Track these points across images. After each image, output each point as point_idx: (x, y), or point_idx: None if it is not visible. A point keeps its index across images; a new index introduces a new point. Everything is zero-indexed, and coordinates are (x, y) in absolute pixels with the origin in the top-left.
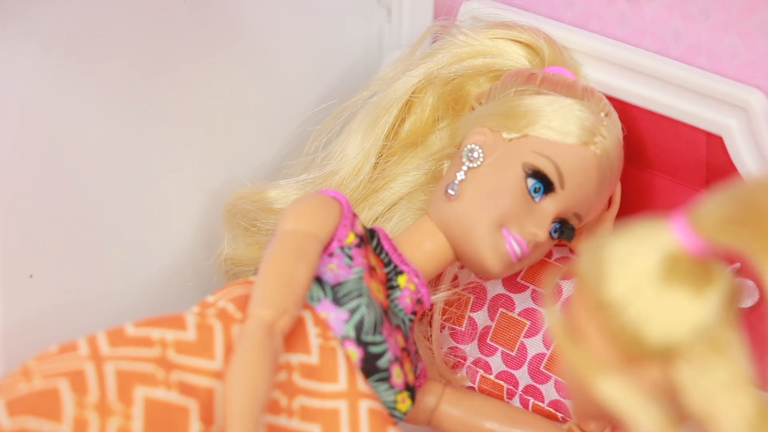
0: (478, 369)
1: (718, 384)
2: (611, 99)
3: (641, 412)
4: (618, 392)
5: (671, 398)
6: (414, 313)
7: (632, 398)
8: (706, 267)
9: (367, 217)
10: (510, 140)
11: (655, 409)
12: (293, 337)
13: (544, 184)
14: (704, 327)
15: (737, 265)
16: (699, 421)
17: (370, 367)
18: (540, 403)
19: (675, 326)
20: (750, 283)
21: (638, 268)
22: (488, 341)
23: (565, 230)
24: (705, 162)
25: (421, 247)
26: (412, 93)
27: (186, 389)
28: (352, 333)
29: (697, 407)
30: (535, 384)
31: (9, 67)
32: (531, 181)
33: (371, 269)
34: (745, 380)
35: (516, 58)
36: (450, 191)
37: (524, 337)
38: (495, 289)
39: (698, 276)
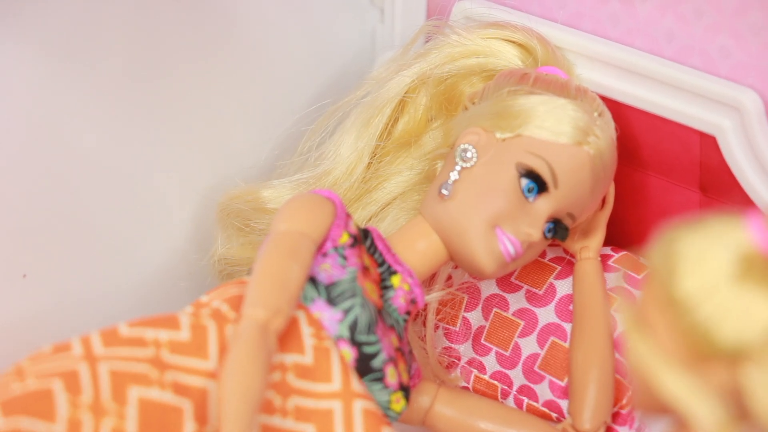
0: (472, 369)
1: None
2: (604, 99)
3: (703, 409)
4: (681, 387)
5: (737, 400)
6: (408, 313)
7: (695, 394)
8: None
9: (360, 217)
10: (503, 140)
11: (718, 407)
12: (287, 337)
13: (538, 184)
14: None
15: None
16: (764, 425)
17: (364, 367)
18: (534, 403)
19: (747, 327)
20: None
21: (713, 265)
22: (482, 341)
23: (558, 230)
24: (698, 162)
25: (414, 247)
26: (406, 93)
27: (180, 389)
28: (346, 333)
29: (763, 411)
30: (529, 384)
31: (1, 67)
32: (524, 181)
33: (365, 269)
34: None
35: (509, 57)
36: (443, 191)
37: (518, 337)
38: (489, 289)
39: None
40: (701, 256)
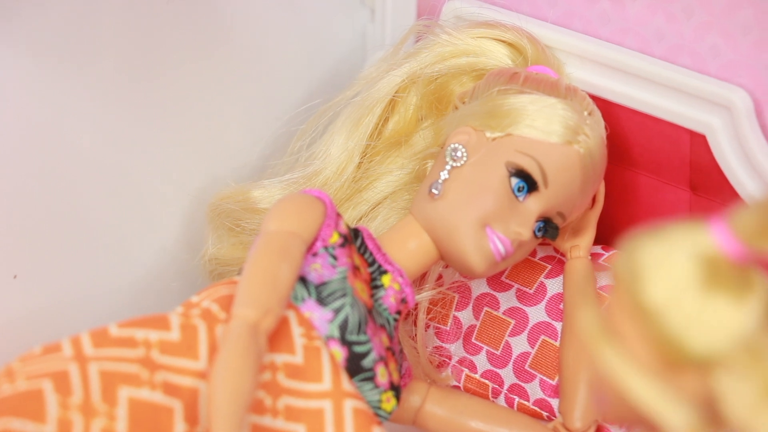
0: (463, 368)
1: (758, 394)
2: (594, 98)
3: (676, 416)
4: (653, 395)
5: (710, 406)
6: (398, 312)
7: (668, 401)
8: (746, 274)
9: (351, 217)
10: (493, 139)
11: (690, 414)
12: (277, 337)
13: (528, 183)
14: (746, 336)
15: None
16: (736, 431)
17: (354, 366)
18: (525, 402)
19: (716, 335)
20: None
21: (677, 273)
22: (473, 340)
23: (549, 229)
24: (688, 160)
25: (405, 247)
26: (396, 92)
27: (170, 389)
28: (336, 333)
29: (735, 417)
30: (520, 383)
31: None
32: (514, 180)
33: (355, 269)
34: None
35: (499, 57)
36: (434, 190)
37: (509, 335)
38: (479, 288)
39: (739, 283)
40: (665, 263)
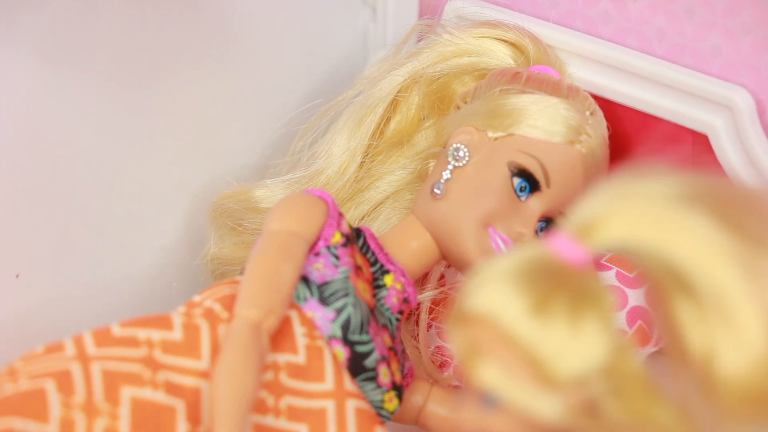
0: None
1: (631, 410)
2: (596, 97)
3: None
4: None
5: (593, 412)
6: (401, 312)
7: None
8: (588, 280)
9: (353, 217)
10: (495, 139)
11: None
12: (280, 337)
13: (530, 183)
14: (599, 365)
15: (655, 348)
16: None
17: (356, 366)
18: None
19: (579, 362)
20: (650, 350)
21: (513, 305)
22: None
23: (551, 229)
24: (690, 161)
25: (407, 247)
26: (398, 92)
27: (173, 389)
28: (338, 332)
29: (619, 422)
30: None
31: None
32: (517, 180)
33: (357, 268)
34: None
35: (501, 56)
36: (436, 190)
37: None
38: None
39: (580, 295)
40: (502, 294)
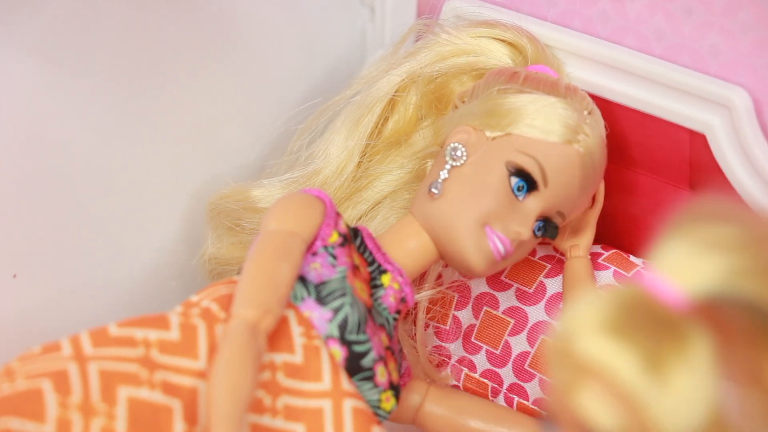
0: (462, 367)
1: None
2: (594, 97)
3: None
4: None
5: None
6: (398, 311)
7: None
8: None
9: (350, 216)
10: (493, 139)
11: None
12: (277, 337)
13: (528, 183)
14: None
15: None
16: None
17: (354, 366)
18: (525, 402)
19: (681, 420)
20: None
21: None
22: (472, 340)
23: (548, 229)
24: (688, 160)
25: (404, 246)
26: (396, 92)
27: (170, 389)
28: (335, 332)
29: None
30: (519, 382)
31: None
32: (514, 180)
33: (355, 268)
34: None
35: (499, 56)
36: (433, 190)
37: (508, 335)
38: (479, 287)
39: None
40: (614, 345)
